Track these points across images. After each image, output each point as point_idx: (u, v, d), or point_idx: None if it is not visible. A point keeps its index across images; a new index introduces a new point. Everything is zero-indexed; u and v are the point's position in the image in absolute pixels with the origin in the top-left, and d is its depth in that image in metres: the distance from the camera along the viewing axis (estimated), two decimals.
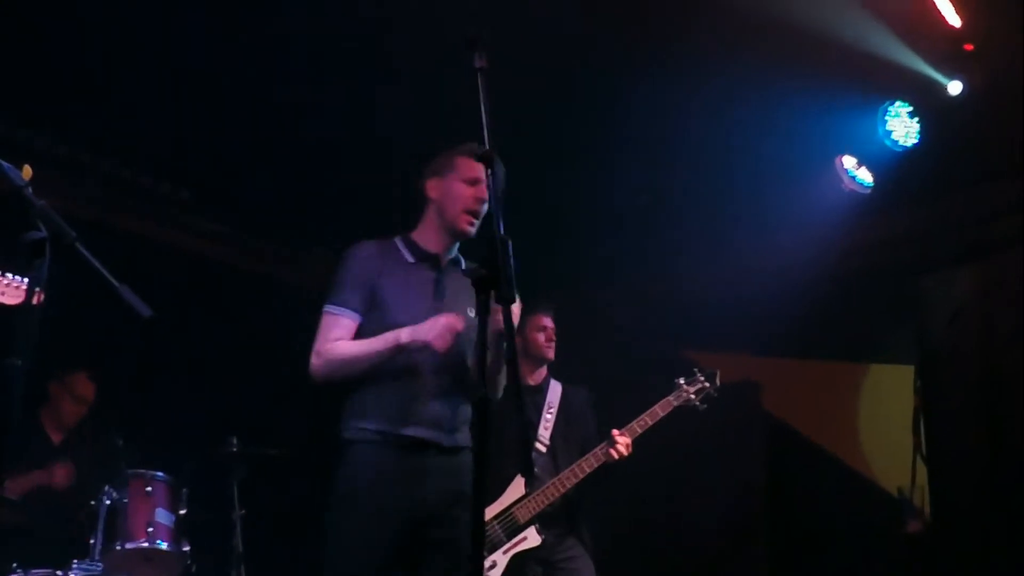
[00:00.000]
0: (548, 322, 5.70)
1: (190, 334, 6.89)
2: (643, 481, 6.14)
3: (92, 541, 5.25)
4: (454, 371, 3.87)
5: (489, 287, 2.73)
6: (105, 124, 6.43)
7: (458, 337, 3.77)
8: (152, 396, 6.74)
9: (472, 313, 3.87)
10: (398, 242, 4.08)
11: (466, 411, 3.91)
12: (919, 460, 6.02)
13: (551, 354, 5.71)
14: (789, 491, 7.40)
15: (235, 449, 5.95)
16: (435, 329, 3.71)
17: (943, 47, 5.76)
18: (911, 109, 6.21)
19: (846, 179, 6.58)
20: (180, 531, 5.53)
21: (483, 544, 2.82)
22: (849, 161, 6.60)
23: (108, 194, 7.06)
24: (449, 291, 3.98)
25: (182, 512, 5.57)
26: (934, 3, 5.47)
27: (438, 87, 5.06)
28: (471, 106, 2.90)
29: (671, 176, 6.62)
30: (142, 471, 5.52)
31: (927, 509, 5.98)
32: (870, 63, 5.67)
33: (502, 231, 2.75)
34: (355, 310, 3.90)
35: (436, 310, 3.83)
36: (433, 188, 4.03)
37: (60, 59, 5.74)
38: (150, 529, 5.37)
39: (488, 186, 2.92)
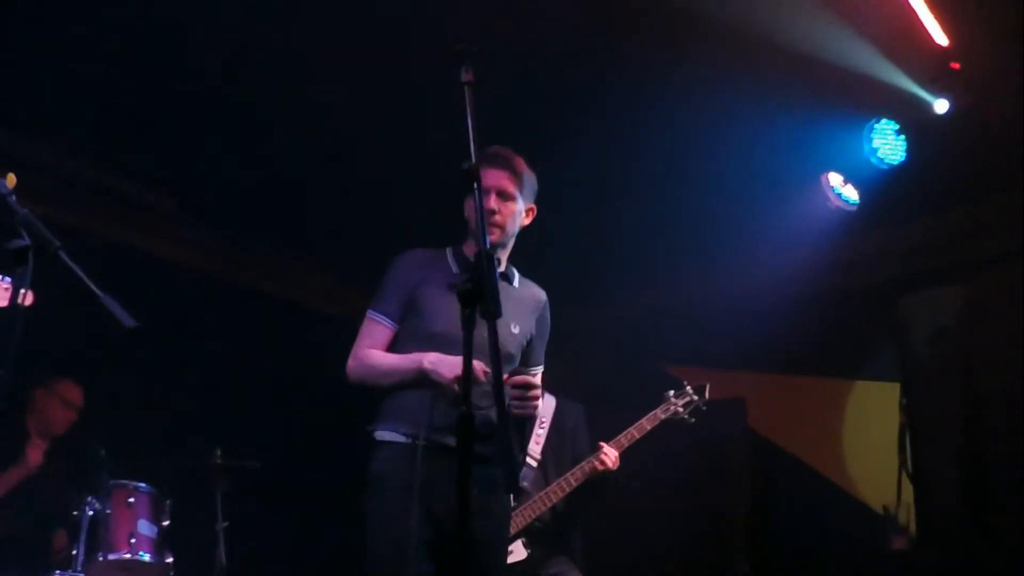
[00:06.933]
0: None
1: (175, 344, 6.83)
2: (629, 498, 6.13)
3: (74, 552, 5.22)
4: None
5: (473, 302, 2.72)
6: (91, 131, 6.40)
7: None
8: (136, 407, 6.70)
9: (516, 330, 3.94)
10: (448, 252, 4.11)
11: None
12: (904, 477, 6.01)
13: None
14: (773, 507, 7.40)
15: (219, 461, 5.94)
16: (455, 371, 3.65)
17: (930, 65, 5.78)
18: (897, 127, 6.22)
19: (832, 196, 6.60)
20: (163, 543, 5.53)
21: (466, 559, 2.79)
22: (835, 178, 6.61)
23: (93, 202, 7.02)
24: None
25: (165, 523, 5.57)
26: (921, 21, 5.48)
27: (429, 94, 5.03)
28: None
29: (659, 194, 6.63)
30: (125, 482, 5.51)
31: (912, 527, 5.97)
32: (856, 81, 5.68)
33: (487, 246, 2.75)
34: (391, 318, 3.98)
35: None
36: (465, 204, 3.99)
37: (46, 65, 5.72)
38: (132, 540, 5.37)
39: (475, 200, 2.93)
